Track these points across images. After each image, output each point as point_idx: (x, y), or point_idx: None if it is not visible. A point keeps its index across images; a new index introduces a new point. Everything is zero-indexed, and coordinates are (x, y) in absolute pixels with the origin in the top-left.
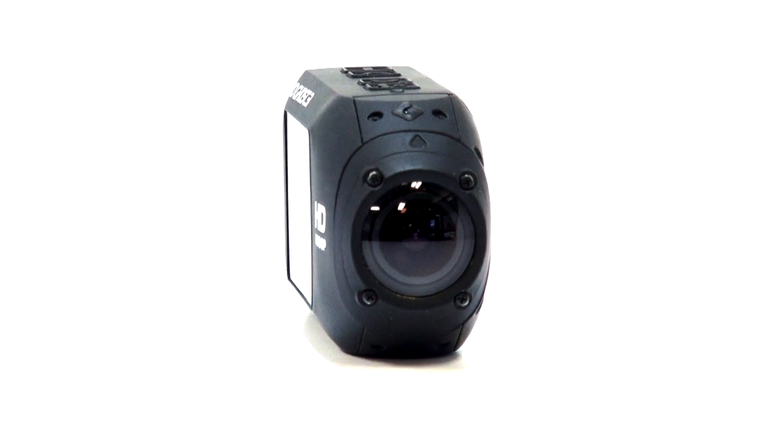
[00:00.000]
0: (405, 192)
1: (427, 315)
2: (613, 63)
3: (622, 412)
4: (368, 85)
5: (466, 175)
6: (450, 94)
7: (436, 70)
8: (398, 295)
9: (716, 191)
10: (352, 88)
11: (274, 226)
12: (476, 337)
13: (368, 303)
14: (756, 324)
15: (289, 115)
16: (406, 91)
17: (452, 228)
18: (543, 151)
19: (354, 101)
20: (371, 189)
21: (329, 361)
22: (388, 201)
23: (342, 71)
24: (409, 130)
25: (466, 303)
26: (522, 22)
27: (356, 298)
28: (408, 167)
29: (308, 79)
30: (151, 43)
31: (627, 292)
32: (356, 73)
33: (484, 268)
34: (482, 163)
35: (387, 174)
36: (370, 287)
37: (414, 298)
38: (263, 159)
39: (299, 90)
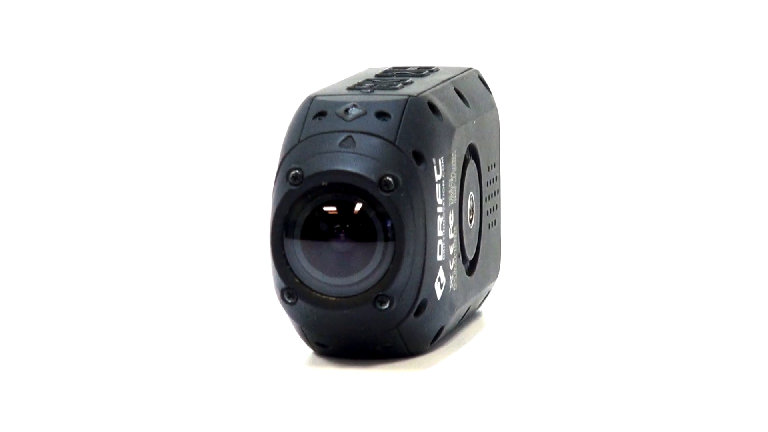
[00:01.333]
0: (324, 192)
1: (347, 316)
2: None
3: (624, 412)
4: (363, 85)
5: (387, 178)
6: (413, 97)
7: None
8: (317, 295)
9: (732, 191)
10: (338, 87)
11: None
12: (485, 336)
13: (289, 301)
14: None
15: None
16: (378, 92)
17: (370, 230)
18: (570, 148)
19: (312, 100)
20: (291, 187)
21: (297, 360)
22: (306, 200)
23: (382, 71)
24: (343, 131)
25: (386, 306)
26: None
27: (279, 296)
28: (326, 167)
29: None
30: (159, 54)
31: (648, 292)
32: (385, 72)
33: (404, 271)
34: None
35: (307, 173)
36: (291, 286)
37: (334, 299)
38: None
39: None
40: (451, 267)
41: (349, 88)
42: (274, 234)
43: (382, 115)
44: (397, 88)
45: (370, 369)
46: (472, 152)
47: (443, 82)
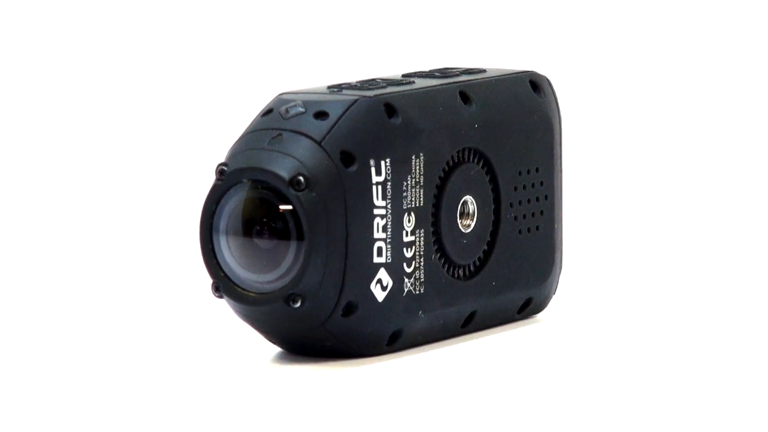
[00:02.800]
0: (244, 189)
1: (267, 312)
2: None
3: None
4: (345, 84)
5: (299, 177)
6: (364, 98)
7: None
8: (239, 290)
9: None
10: (321, 86)
11: None
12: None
13: (217, 295)
14: None
15: None
16: (347, 92)
17: (283, 229)
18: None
19: (277, 98)
20: (216, 182)
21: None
22: (229, 196)
23: (426, 71)
24: (277, 129)
25: (299, 304)
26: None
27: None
28: (246, 164)
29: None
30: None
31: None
32: (416, 72)
33: (315, 271)
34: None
35: (230, 169)
36: (218, 279)
37: (253, 295)
38: None
39: None
40: (411, 270)
41: (329, 87)
42: (202, 228)
43: (321, 114)
44: (373, 88)
45: (313, 366)
46: (475, 155)
47: (452, 83)
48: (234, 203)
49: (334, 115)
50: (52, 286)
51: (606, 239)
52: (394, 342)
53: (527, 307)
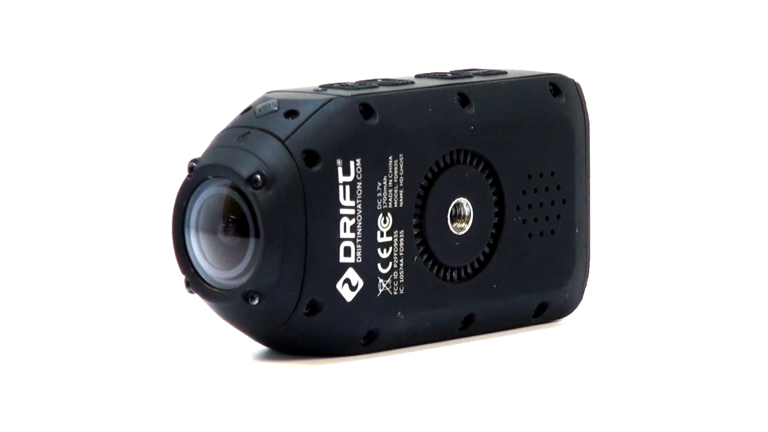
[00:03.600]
0: (210, 185)
1: (230, 309)
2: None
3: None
4: (335, 84)
5: (256, 175)
6: (339, 97)
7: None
8: (206, 286)
9: None
10: (310, 86)
11: None
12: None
13: (189, 291)
14: None
15: None
16: (330, 92)
17: (243, 226)
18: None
19: (261, 96)
20: (186, 178)
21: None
22: (198, 192)
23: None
24: (247, 126)
25: (256, 302)
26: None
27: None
28: (211, 161)
29: None
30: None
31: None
32: (421, 74)
33: (272, 269)
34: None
35: (198, 165)
36: (188, 275)
37: (218, 291)
38: None
39: None
40: (387, 270)
41: (319, 86)
42: (174, 224)
43: (291, 113)
44: (361, 89)
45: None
46: (473, 157)
47: (452, 84)
48: (201, 200)
49: (303, 115)
50: (28, 283)
51: (640, 245)
52: (371, 342)
53: (544, 312)
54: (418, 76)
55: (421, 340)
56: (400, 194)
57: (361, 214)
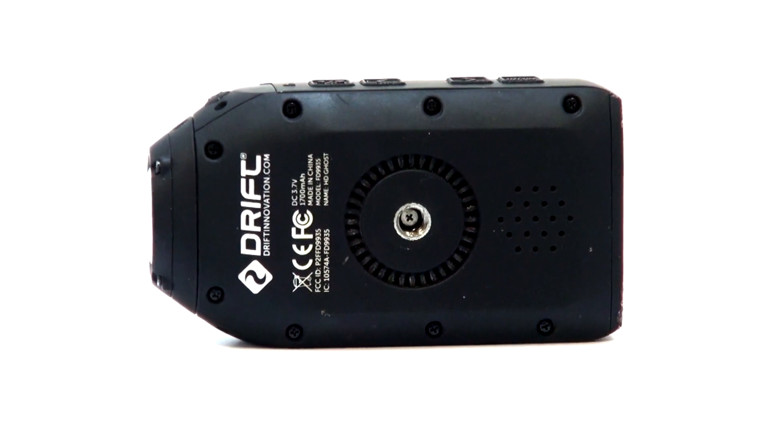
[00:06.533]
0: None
1: (159, 292)
2: None
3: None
4: (327, 82)
5: (157, 161)
6: (267, 94)
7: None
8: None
9: None
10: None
11: None
12: None
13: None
14: None
15: None
16: (296, 87)
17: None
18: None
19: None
20: None
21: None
22: None
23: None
24: (195, 114)
25: (159, 284)
26: None
27: None
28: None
29: None
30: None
31: None
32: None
33: (164, 254)
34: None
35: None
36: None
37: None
38: None
39: None
40: (305, 267)
41: (315, 81)
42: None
43: (221, 105)
44: (320, 86)
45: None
46: (438, 164)
47: (424, 89)
48: None
49: (228, 107)
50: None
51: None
52: (298, 337)
53: (550, 330)
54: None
55: (375, 343)
56: (324, 193)
57: (269, 208)
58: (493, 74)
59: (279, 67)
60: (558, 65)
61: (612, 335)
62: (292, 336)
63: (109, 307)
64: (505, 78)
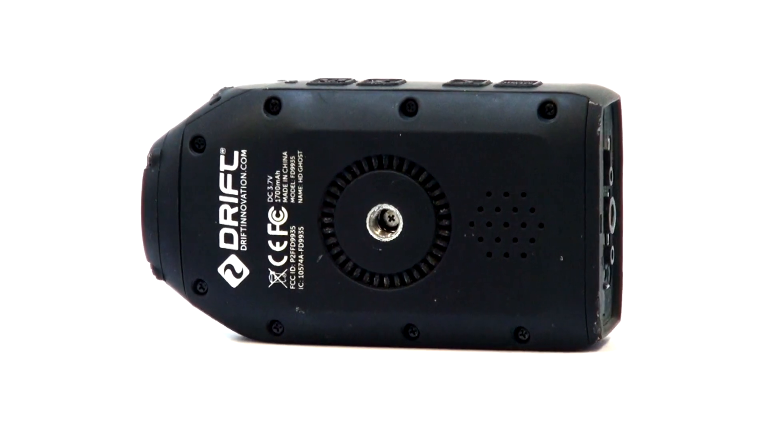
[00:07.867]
0: None
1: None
2: None
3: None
4: (324, 81)
5: (152, 153)
6: (251, 90)
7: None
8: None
9: None
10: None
11: None
12: None
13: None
14: None
15: None
16: (286, 85)
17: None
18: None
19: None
20: None
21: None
22: None
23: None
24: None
25: (155, 274)
26: None
27: None
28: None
29: None
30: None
31: None
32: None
33: (151, 244)
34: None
35: None
36: None
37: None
38: None
39: None
40: (281, 264)
41: (316, 79)
42: None
43: (215, 101)
44: (311, 87)
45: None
46: (411, 166)
47: (403, 90)
48: None
49: (219, 102)
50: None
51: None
52: (281, 333)
53: (526, 337)
54: (449, 84)
55: (354, 343)
56: (299, 191)
57: (245, 204)
58: (499, 77)
59: (299, 66)
60: (574, 68)
61: (596, 346)
62: (275, 331)
63: (109, 304)
64: (504, 81)
